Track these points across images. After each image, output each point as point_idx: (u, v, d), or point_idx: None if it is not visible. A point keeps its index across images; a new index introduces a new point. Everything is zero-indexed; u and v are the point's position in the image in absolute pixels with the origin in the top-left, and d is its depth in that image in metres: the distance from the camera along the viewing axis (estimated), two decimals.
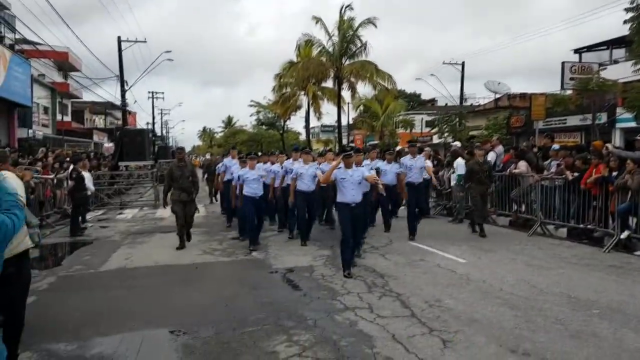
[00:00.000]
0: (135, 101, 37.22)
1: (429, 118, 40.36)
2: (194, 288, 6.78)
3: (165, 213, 15.83)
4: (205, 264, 8.11)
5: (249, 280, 7.09)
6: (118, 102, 34.92)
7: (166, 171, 9.83)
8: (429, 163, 10.89)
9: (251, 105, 52.12)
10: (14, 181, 3.76)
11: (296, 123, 79.52)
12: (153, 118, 60.29)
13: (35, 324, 5.16)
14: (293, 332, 4.93)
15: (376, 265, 7.65)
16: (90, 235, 11.44)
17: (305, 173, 9.60)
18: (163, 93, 63.78)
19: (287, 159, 11.44)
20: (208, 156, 39.99)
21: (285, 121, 44.57)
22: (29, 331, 4.82)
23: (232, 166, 11.47)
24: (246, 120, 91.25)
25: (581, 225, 9.53)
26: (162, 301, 6.21)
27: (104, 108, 50.28)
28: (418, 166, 10.07)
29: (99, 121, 57.46)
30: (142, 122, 58.92)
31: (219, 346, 4.64)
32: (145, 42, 33.22)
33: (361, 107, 37.69)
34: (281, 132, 48.56)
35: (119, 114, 53.89)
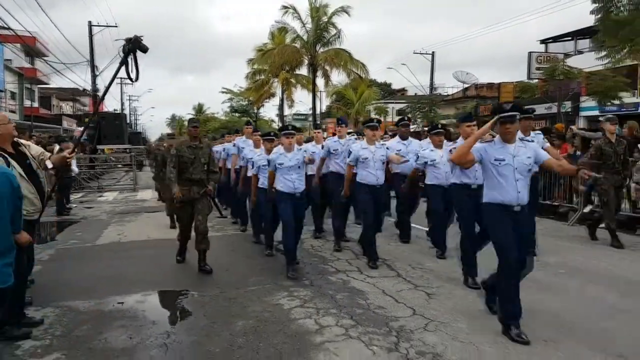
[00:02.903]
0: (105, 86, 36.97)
1: (400, 107, 41.21)
2: (192, 257, 7.14)
3: (147, 195, 16.14)
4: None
5: (243, 251, 7.54)
6: (86, 88, 34.63)
7: (170, 153, 6.60)
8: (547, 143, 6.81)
9: (222, 92, 52.11)
10: None
11: (268, 111, 79.54)
12: (122, 104, 59.56)
13: (47, 287, 5.57)
14: (292, 290, 5.44)
15: None
16: (77, 214, 11.65)
17: (371, 158, 6.48)
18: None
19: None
20: None
21: (258, 108, 44.75)
22: (43, 293, 5.28)
23: (245, 148, 8.57)
24: (217, 107, 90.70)
25: (547, 202, 10.25)
26: (164, 268, 6.61)
27: (70, 94, 49.65)
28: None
29: (66, 107, 56.57)
30: (110, 108, 58.18)
31: (226, 301, 5.11)
32: (116, 26, 33.06)
33: (333, 96, 38.19)
34: (254, 119, 48.71)
35: (86, 100, 53.20)
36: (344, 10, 29.83)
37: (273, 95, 38.52)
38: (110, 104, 60.20)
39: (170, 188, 8.36)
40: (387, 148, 6.81)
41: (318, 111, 38.26)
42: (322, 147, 7.98)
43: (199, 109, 76.20)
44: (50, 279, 6.00)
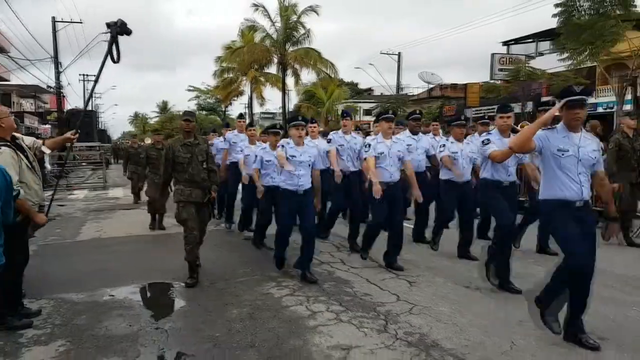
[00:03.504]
0: (69, 83, 36.24)
1: (367, 107, 41.87)
2: (177, 252, 7.17)
3: (119, 193, 16.07)
4: (179, 234, 8.56)
5: (226, 245, 7.71)
6: (46, 85, 33.93)
7: (164, 154, 5.87)
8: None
9: (189, 90, 51.67)
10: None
11: (237, 109, 78.98)
12: (84, 102, 58.34)
13: (36, 281, 5.62)
14: (280, 280, 5.67)
15: (343, 232, 8.31)
16: (51, 212, 11.48)
17: (387, 153, 6.05)
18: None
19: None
20: (149, 141, 39.45)
21: (226, 106, 44.62)
22: (34, 286, 5.35)
23: (238, 143, 8.36)
24: (183, 105, 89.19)
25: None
26: (150, 262, 6.76)
27: (31, 91, 48.42)
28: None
29: (27, 105, 55.11)
30: (71, 105, 57.04)
31: (218, 291, 5.31)
32: (81, 22, 32.45)
33: (303, 94, 38.40)
34: (222, 117, 48.50)
35: (46, 98, 51.85)
36: (312, 9, 30.15)
37: (241, 93, 38.59)
38: (73, 101, 59.08)
39: (154, 187, 8.53)
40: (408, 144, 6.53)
41: (288, 110, 38.48)
42: (329, 142, 7.50)
43: (164, 106, 75.18)
44: (38, 273, 6.00)
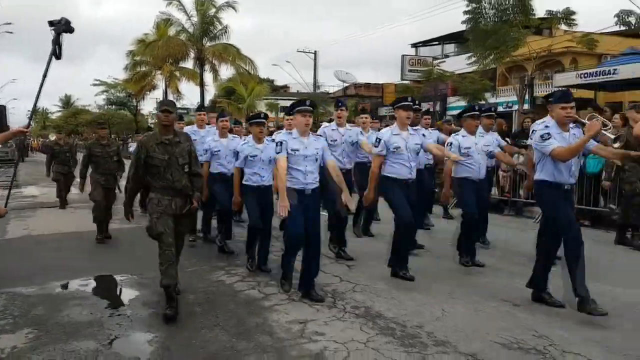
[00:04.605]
0: None
1: (287, 103, 42.39)
2: (116, 248, 7.43)
3: (34, 191, 15.40)
4: (115, 229, 8.50)
5: None
6: None
7: (135, 150, 4.80)
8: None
9: (95, 85, 49.32)
10: None
11: (150, 105, 76.14)
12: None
13: None
14: (229, 269, 6.03)
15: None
16: None
17: (404, 147, 5.32)
18: None
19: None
20: (52, 137, 37.39)
21: (138, 101, 43.27)
22: None
23: (199, 140, 7.01)
24: (89, 100, 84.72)
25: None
26: (93, 257, 6.82)
27: None
28: None
29: None
30: None
31: None
32: None
33: (221, 90, 38.18)
34: (134, 113, 46.92)
35: None
36: (230, 5, 30.17)
37: (155, 87, 37.73)
38: None
39: (100, 189, 7.86)
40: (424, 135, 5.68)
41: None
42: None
43: (67, 100, 71.33)
44: None
